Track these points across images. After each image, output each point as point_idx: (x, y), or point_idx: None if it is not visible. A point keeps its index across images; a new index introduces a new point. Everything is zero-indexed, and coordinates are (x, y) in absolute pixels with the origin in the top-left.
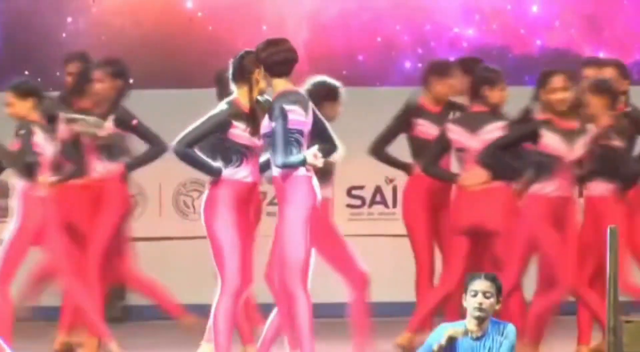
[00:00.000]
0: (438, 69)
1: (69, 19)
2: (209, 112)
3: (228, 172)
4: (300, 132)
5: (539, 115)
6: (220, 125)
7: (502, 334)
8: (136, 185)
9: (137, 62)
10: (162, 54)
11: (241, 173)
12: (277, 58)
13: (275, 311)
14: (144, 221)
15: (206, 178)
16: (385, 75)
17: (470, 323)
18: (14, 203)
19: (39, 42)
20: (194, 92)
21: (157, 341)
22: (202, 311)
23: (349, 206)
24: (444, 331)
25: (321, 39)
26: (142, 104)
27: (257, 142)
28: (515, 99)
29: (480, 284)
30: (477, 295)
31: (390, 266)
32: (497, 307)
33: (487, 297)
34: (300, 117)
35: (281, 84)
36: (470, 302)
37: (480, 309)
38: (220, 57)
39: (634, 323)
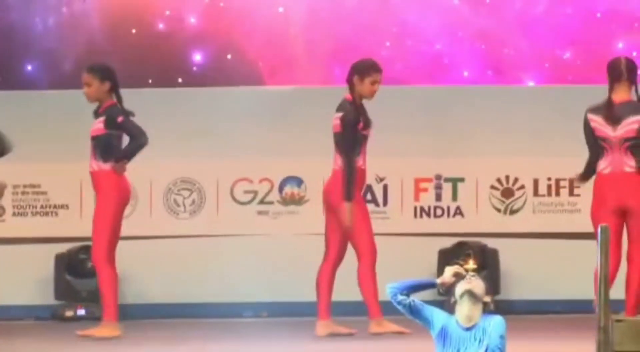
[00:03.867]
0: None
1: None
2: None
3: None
4: None
5: None
6: None
7: (491, 326)
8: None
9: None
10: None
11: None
12: None
13: None
14: (134, 219)
15: (197, 177)
16: None
17: (461, 311)
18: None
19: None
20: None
21: (147, 338)
22: (193, 309)
23: None
24: (438, 312)
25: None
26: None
27: None
28: None
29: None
30: (466, 277)
31: (380, 264)
32: (488, 299)
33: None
34: None
35: None
36: (460, 286)
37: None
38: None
39: (624, 322)
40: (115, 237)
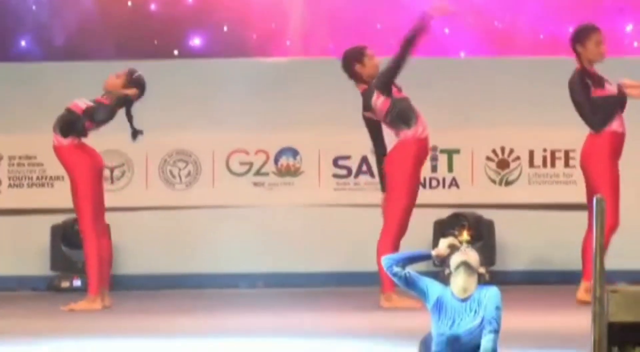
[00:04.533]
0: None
1: None
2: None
3: None
4: None
5: None
6: None
7: (487, 297)
8: (122, 155)
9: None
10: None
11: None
12: None
13: None
14: (130, 190)
15: (192, 149)
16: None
17: (456, 283)
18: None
19: None
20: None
21: (143, 309)
22: (189, 280)
23: (335, 175)
24: (433, 284)
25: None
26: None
27: None
28: None
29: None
30: (461, 248)
31: (375, 235)
32: (483, 270)
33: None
34: None
35: None
36: (455, 258)
37: (466, 260)
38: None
39: (619, 293)
40: (97, 207)
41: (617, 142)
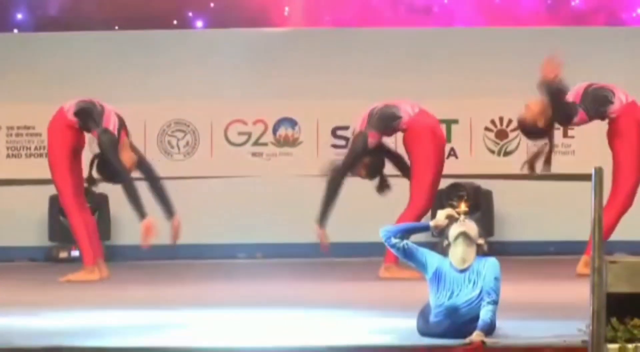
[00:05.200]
0: None
1: None
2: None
3: None
4: None
5: None
6: None
7: (485, 268)
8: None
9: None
10: None
11: None
12: None
13: None
14: None
15: (191, 119)
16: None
17: (455, 253)
18: None
19: None
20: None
21: (141, 279)
22: (188, 250)
23: (333, 146)
24: (431, 255)
25: None
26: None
27: None
28: None
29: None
30: (459, 219)
31: (374, 205)
32: (481, 241)
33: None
34: None
35: None
36: (454, 229)
37: (465, 231)
38: None
39: (618, 263)
40: (77, 181)
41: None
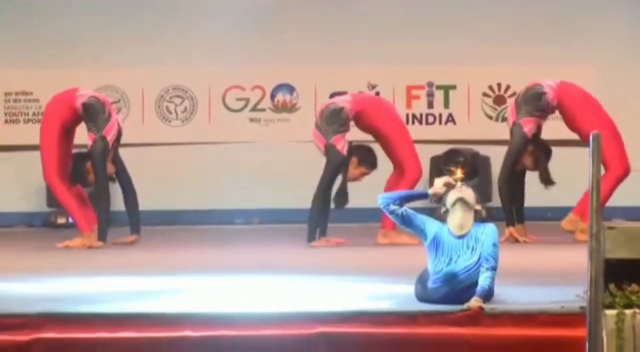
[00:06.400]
0: None
1: None
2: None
3: None
4: None
5: None
6: None
7: (484, 234)
8: (119, 91)
9: None
10: None
11: None
12: None
13: None
14: (126, 126)
15: (189, 85)
16: None
17: (453, 220)
18: None
19: None
20: None
21: (138, 245)
22: (185, 216)
23: None
24: (430, 221)
25: None
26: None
27: None
28: None
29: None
30: (456, 186)
31: (372, 172)
32: (479, 207)
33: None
34: None
35: None
36: (451, 195)
37: (462, 197)
38: None
39: (616, 229)
40: (64, 155)
41: None
